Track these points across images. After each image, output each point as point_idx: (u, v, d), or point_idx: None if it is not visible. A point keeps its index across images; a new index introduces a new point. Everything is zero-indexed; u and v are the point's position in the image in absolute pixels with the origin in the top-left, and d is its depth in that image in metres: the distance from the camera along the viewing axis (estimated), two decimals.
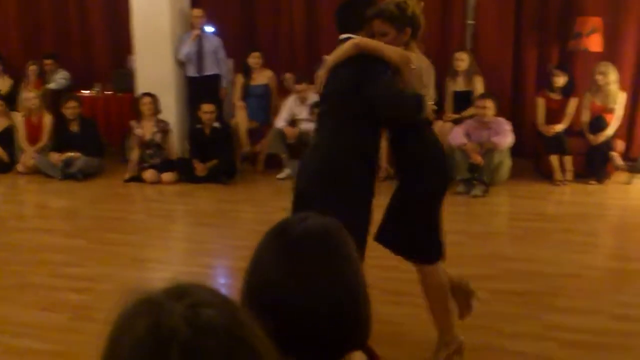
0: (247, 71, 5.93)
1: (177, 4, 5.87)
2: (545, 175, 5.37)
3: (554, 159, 5.28)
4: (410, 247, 2.34)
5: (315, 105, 5.26)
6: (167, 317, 0.62)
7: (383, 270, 2.78)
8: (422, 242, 2.32)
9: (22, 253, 3.77)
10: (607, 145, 5.29)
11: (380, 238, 2.36)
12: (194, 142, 5.57)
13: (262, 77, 5.96)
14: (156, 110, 5.58)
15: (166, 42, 5.80)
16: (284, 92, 5.98)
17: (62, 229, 4.31)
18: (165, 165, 5.51)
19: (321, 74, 2.30)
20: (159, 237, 4.25)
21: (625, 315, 2.85)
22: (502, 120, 5.22)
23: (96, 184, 5.49)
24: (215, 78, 5.95)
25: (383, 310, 2.73)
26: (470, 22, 5.91)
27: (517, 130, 5.32)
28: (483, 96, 5.26)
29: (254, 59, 5.88)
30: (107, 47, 6.76)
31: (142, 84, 5.82)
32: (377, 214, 2.35)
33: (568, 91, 5.43)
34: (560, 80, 5.40)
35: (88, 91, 6.40)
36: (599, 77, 5.26)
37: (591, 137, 5.31)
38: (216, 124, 5.49)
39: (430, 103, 2.33)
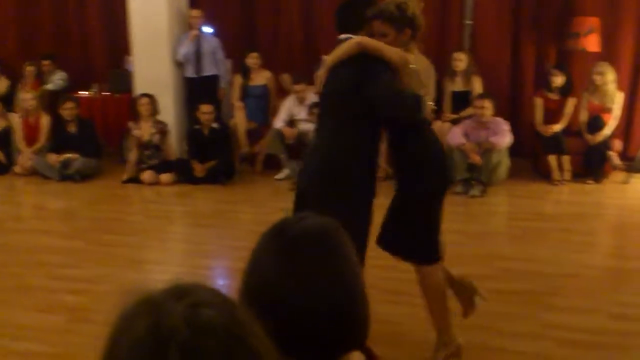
0: (245, 72, 5.92)
1: (175, 4, 5.87)
2: (544, 175, 5.38)
3: (552, 159, 5.29)
4: (409, 247, 2.34)
5: (314, 105, 5.27)
6: (166, 317, 0.62)
7: (382, 270, 2.78)
8: (421, 242, 2.33)
9: (20, 255, 3.77)
10: (605, 144, 5.30)
11: (380, 240, 2.36)
12: (192, 142, 5.56)
13: (261, 78, 5.95)
14: (154, 111, 5.58)
15: (164, 42, 5.79)
16: (283, 92, 5.98)
17: (60, 231, 4.30)
18: (164, 166, 5.50)
19: (320, 74, 2.30)
20: (157, 239, 4.25)
21: (623, 315, 2.86)
22: (500, 120, 5.23)
23: (94, 185, 5.48)
24: (214, 79, 5.94)
25: (382, 310, 2.73)
26: (468, 22, 5.92)
27: (515, 130, 5.33)
28: (481, 96, 5.27)
29: (252, 60, 5.87)
30: (105, 47, 6.75)
31: (140, 84, 5.82)
32: (377, 215, 2.36)
33: (566, 91, 5.44)
34: (558, 80, 5.40)
35: (86, 92, 6.39)
36: (597, 77, 5.27)
37: (589, 136, 5.32)
38: (215, 125, 5.49)
39: (430, 103, 2.34)
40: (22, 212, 5.12)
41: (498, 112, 5.28)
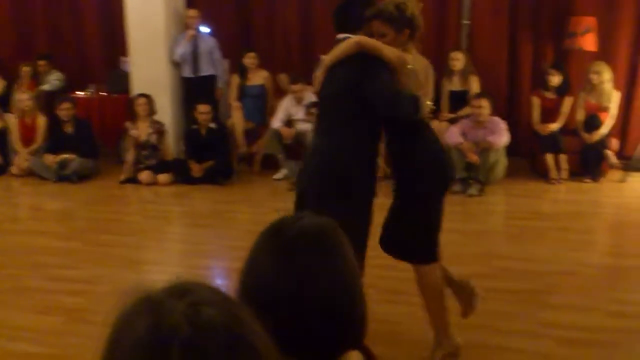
0: (242, 71, 5.92)
1: (171, 4, 5.86)
2: (541, 174, 5.39)
3: (549, 158, 5.30)
4: (408, 247, 2.34)
5: (312, 105, 5.26)
6: (167, 316, 0.61)
7: (381, 269, 2.78)
8: (420, 242, 2.33)
9: (17, 256, 3.75)
10: (602, 143, 5.31)
11: (381, 240, 2.36)
12: (189, 143, 5.55)
13: (258, 78, 5.95)
14: (151, 111, 5.57)
15: (161, 42, 5.78)
16: (280, 92, 5.97)
17: (57, 232, 4.29)
18: (161, 166, 5.49)
19: (319, 74, 2.30)
20: (154, 239, 4.24)
21: (621, 312, 2.86)
22: (497, 119, 5.24)
23: (91, 185, 5.47)
24: (211, 79, 5.93)
25: (380, 310, 2.73)
26: (465, 22, 5.93)
27: (512, 129, 5.34)
28: (479, 95, 5.28)
29: (249, 60, 5.87)
30: (102, 48, 6.74)
31: (137, 84, 5.81)
32: (378, 215, 2.35)
33: (563, 90, 5.45)
34: (555, 79, 5.42)
35: (82, 92, 6.38)
36: (593, 76, 5.29)
37: (586, 135, 5.33)
38: (212, 125, 5.48)
39: (428, 103, 2.34)
40: (19, 213, 5.10)
41: (495, 112, 5.29)
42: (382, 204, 2.37)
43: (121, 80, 6.13)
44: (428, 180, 2.28)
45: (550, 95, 5.49)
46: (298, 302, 0.91)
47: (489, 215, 4.69)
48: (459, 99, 5.55)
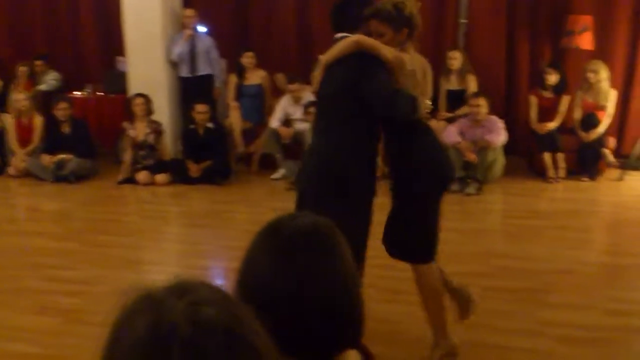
0: (240, 71, 5.91)
1: (168, 3, 5.85)
2: (538, 172, 5.40)
3: (546, 157, 5.31)
4: (406, 246, 2.34)
5: (310, 104, 5.26)
6: (168, 315, 0.61)
7: (380, 269, 2.78)
8: (418, 242, 2.33)
9: (14, 257, 3.74)
10: (599, 142, 5.32)
11: (383, 240, 2.37)
12: (187, 142, 5.54)
13: (256, 77, 5.94)
14: (149, 111, 5.55)
15: (158, 42, 5.77)
16: (278, 92, 5.97)
17: (55, 232, 4.28)
18: (159, 166, 5.48)
19: (317, 73, 2.30)
20: (152, 239, 4.23)
21: (618, 310, 2.87)
22: (495, 118, 5.24)
23: (89, 186, 5.46)
24: (209, 78, 5.92)
25: (379, 309, 2.73)
26: (463, 21, 5.93)
27: (510, 128, 5.34)
28: (476, 94, 5.28)
29: (247, 59, 5.86)
30: (99, 47, 6.72)
31: (135, 84, 5.79)
32: (380, 214, 2.35)
33: (560, 89, 5.46)
34: (553, 78, 5.42)
35: (79, 92, 6.36)
36: (590, 75, 5.29)
37: (583, 134, 5.34)
38: (210, 125, 5.47)
39: (427, 102, 2.33)
40: (16, 214, 5.08)
41: (493, 111, 5.29)
42: (382, 204, 2.37)
43: (118, 80, 6.11)
44: (425, 180, 2.27)
45: (547, 94, 5.50)
46: (295, 301, 0.91)
47: (487, 214, 4.70)
48: (457, 98, 5.56)
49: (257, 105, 5.96)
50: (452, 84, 5.61)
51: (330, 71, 2.24)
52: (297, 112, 5.59)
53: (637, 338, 2.70)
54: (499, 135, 5.14)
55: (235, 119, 5.84)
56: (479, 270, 3.34)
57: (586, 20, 5.50)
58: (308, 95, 5.36)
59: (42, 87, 6.39)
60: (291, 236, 0.95)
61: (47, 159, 5.56)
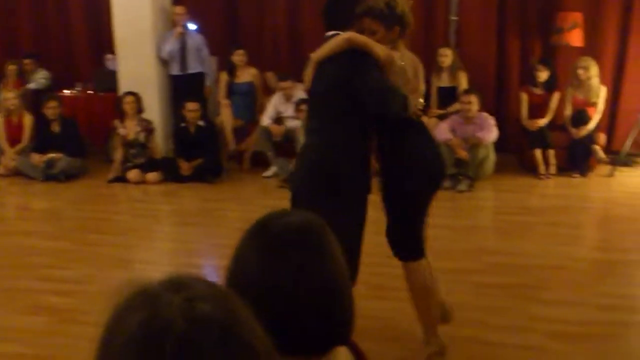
0: (231, 69, 5.89)
1: (158, 1, 5.81)
2: (529, 169, 5.42)
3: (537, 153, 5.33)
4: (397, 243, 2.34)
5: (301, 102, 5.25)
6: (163, 310, 0.61)
7: (369, 266, 2.78)
8: (409, 239, 2.33)
9: (5, 257, 3.71)
10: (590, 138, 5.36)
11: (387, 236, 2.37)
12: (178, 141, 5.52)
13: (247, 75, 5.92)
14: (139, 109, 5.52)
15: (148, 40, 5.73)
16: (269, 90, 5.95)
17: (45, 231, 4.25)
18: (150, 164, 5.45)
19: (308, 71, 2.29)
20: (144, 238, 4.21)
21: (610, 306, 2.89)
22: (486, 115, 5.26)
23: (79, 184, 5.42)
24: (199, 76, 5.89)
25: (369, 306, 2.73)
26: (453, 18, 5.94)
27: (501, 125, 5.36)
28: (467, 92, 5.30)
29: (238, 57, 5.84)
30: (88, 46, 6.67)
31: (125, 82, 5.76)
32: (379, 213, 2.35)
33: (550, 86, 5.49)
34: (543, 75, 5.45)
35: (69, 91, 6.31)
36: (581, 72, 5.33)
37: (574, 130, 5.37)
38: (201, 123, 5.45)
39: (420, 100, 2.33)
40: (6, 213, 5.04)
41: (484, 108, 5.31)
42: (376, 201, 2.36)
43: (108, 78, 6.07)
44: (418, 178, 2.28)
45: (538, 90, 5.53)
46: (283, 298, 0.91)
47: (479, 211, 4.72)
48: (448, 95, 5.57)
49: (248, 103, 5.94)
50: (443, 81, 5.62)
51: (322, 69, 2.23)
52: (288, 110, 5.58)
53: (628, 333, 2.73)
54: (490, 132, 5.16)
55: (226, 117, 5.82)
56: (471, 267, 3.35)
57: (576, 17, 5.53)
58: (299, 93, 5.36)
59: (32, 85, 6.34)
60: (279, 234, 0.95)
61: (37, 158, 5.51)
